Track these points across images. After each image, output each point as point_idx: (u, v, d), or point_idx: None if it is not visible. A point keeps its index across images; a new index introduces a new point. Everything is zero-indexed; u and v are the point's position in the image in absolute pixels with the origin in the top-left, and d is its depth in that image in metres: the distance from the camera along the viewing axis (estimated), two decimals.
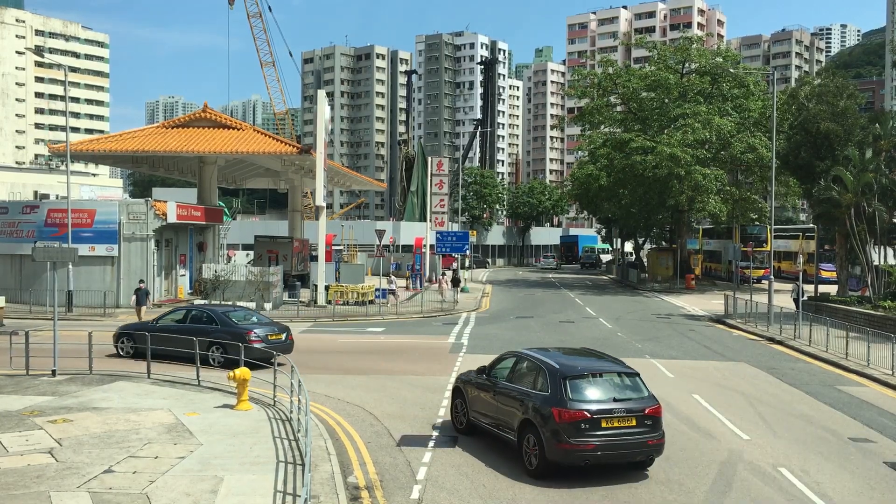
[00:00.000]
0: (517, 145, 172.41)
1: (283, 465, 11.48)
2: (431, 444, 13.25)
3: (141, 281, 30.39)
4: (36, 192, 58.05)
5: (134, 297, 29.03)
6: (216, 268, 35.99)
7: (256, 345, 18.97)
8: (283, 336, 20.69)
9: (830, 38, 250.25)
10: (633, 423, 11.30)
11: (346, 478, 11.27)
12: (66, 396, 15.93)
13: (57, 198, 47.53)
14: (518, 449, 11.81)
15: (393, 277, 42.38)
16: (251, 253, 51.71)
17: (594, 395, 11.46)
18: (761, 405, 16.78)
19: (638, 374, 12.16)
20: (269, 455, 11.98)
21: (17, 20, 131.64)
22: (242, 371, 15.06)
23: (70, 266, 31.84)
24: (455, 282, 42.50)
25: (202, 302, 29.03)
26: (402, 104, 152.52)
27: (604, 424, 11.11)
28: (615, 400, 11.43)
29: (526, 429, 11.66)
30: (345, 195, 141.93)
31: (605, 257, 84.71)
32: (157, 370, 18.29)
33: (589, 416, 11.07)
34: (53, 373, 17.93)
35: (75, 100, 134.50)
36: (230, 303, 34.28)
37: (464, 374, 14.33)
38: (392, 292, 39.34)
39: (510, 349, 15.33)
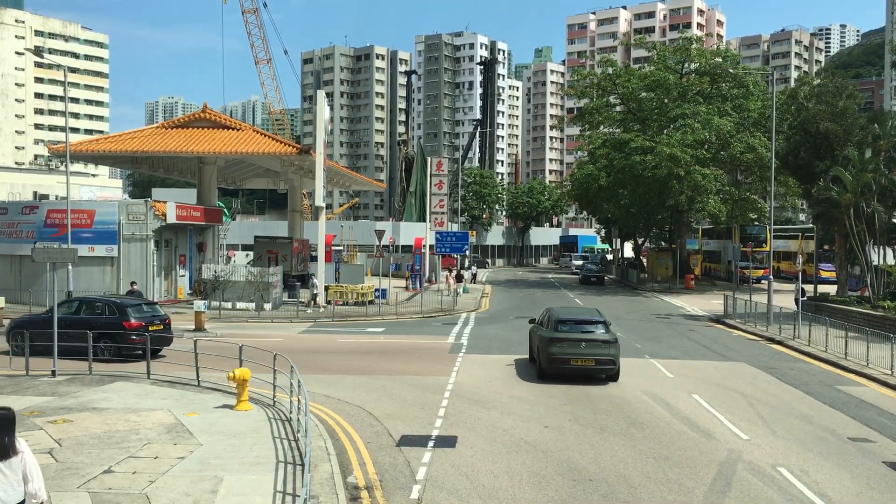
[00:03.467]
0: (517, 145, 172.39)
1: (282, 465, 11.49)
2: (431, 444, 13.25)
3: (133, 283, 28.84)
4: (35, 193, 58.02)
5: None
6: (216, 268, 36.00)
7: None
8: None
9: (830, 39, 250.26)
10: (162, 327, 21.42)
11: (346, 478, 11.28)
12: (65, 397, 15.93)
13: (56, 198, 47.52)
14: (99, 347, 19.80)
15: (315, 280, 37.03)
16: (251, 253, 51.72)
17: (142, 313, 21.45)
18: (761, 405, 16.79)
19: (157, 303, 24.82)
20: (268, 455, 11.99)
21: (16, 21, 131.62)
22: (242, 371, 15.08)
23: (69, 266, 31.80)
24: (459, 277, 44.40)
25: (201, 303, 28.95)
26: (401, 104, 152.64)
27: (150, 328, 20.56)
28: (152, 316, 21.68)
29: (101, 336, 20.15)
30: (344, 195, 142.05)
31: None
32: (157, 370, 18.30)
33: (143, 324, 20.88)
34: (53, 373, 17.93)
35: (75, 100, 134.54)
36: (229, 304, 34.35)
37: (17, 320, 22.64)
38: (315, 297, 35.71)
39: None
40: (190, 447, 12.30)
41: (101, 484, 10.48)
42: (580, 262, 71.81)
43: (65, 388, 16.85)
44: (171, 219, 35.83)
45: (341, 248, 58.00)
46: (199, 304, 28.21)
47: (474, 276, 56.46)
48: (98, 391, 16.58)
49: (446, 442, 13.38)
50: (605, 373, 18.89)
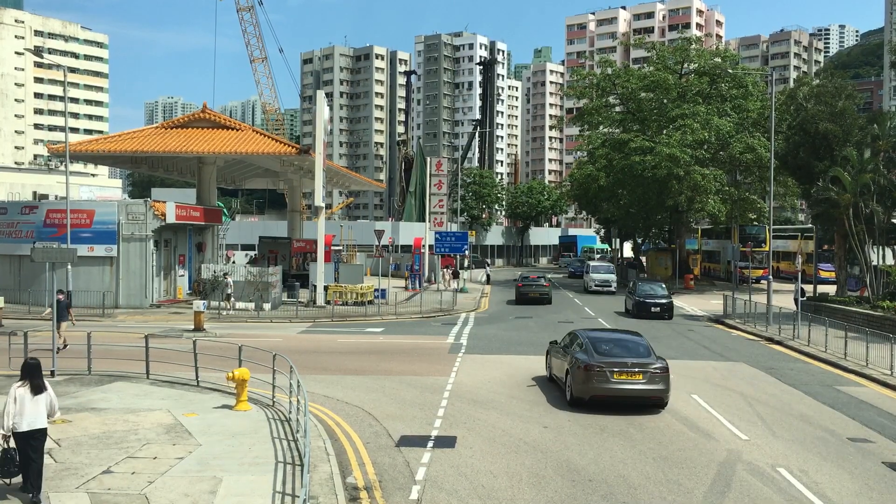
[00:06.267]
0: (516, 146, 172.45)
1: (281, 465, 11.48)
2: (430, 444, 13.24)
3: (59, 291, 22.52)
4: (35, 193, 58.03)
5: (51, 310, 21.05)
6: (215, 268, 35.98)
7: None
8: None
9: (829, 39, 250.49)
10: None
11: (345, 478, 11.27)
12: (64, 397, 15.89)
13: (56, 198, 47.51)
14: None
15: (230, 280, 33.80)
16: (250, 253, 51.74)
17: None
18: (760, 405, 16.79)
19: None
20: (268, 455, 11.98)
21: (16, 21, 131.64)
22: (241, 371, 15.07)
23: (69, 266, 31.81)
24: (455, 274, 46.31)
25: (200, 303, 28.92)
26: (401, 104, 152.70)
27: None
28: None
29: None
30: (343, 195, 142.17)
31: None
32: (156, 370, 18.28)
33: None
34: (52, 373, 17.88)
35: (74, 100, 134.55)
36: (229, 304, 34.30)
37: None
38: (229, 296, 33.33)
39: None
40: (189, 447, 12.29)
41: (100, 484, 10.47)
42: (609, 274, 48.74)
43: (63, 388, 16.82)
44: (171, 219, 35.81)
45: (341, 248, 57.97)
46: (199, 304, 28.20)
47: (488, 276, 57.16)
48: (97, 391, 16.57)
49: (446, 442, 13.37)
50: (545, 299, 40.67)
